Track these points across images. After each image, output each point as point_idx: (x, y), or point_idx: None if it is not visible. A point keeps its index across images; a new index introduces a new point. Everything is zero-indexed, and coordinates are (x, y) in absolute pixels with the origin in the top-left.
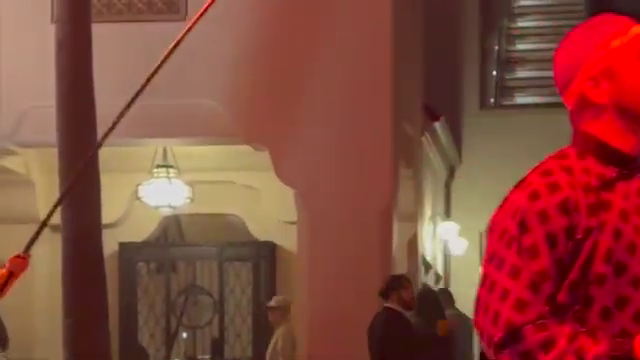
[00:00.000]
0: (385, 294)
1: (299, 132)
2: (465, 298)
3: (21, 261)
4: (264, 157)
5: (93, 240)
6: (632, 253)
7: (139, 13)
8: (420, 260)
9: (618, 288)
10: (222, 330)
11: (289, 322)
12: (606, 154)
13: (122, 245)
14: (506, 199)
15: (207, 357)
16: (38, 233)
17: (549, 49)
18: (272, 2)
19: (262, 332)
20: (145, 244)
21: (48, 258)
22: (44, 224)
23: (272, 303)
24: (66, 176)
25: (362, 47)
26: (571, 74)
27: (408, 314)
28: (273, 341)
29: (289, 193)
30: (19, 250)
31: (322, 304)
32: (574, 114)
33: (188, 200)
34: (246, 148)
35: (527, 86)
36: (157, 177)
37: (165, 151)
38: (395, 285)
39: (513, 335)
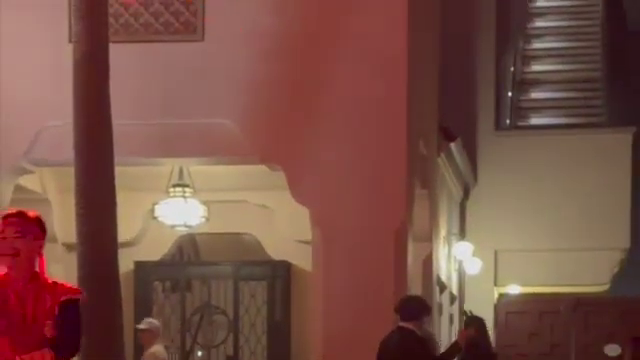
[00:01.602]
0: (413, 315)
1: (314, 152)
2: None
3: None
4: (279, 177)
5: (109, 259)
6: None
7: (156, 33)
8: (435, 280)
9: None
10: (237, 349)
11: (159, 345)
12: None
13: (138, 264)
14: None
15: None
16: None
17: (564, 70)
18: (288, 23)
19: (277, 351)
20: (161, 263)
21: (63, 277)
22: None
23: (142, 325)
24: (82, 195)
25: (378, 67)
26: None
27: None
28: None
29: (304, 212)
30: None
31: (337, 323)
32: None
33: (204, 219)
34: (261, 168)
35: (542, 107)
36: (173, 196)
37: (181, 170)
38: (427, 311)
39: None
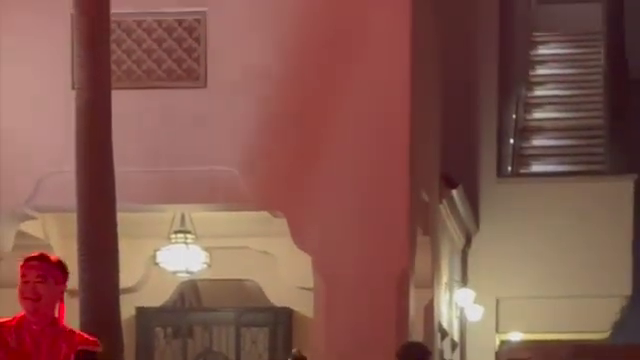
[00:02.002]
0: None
1: (316, 199)
2: None
3: None
4: (280, 223)
5: (111, 305)
6: None
7: (159, 80)
8: (436, 326)
9: None
10: None
11: None
12: None
13: (139, 310)
14: None
15: None
16: None
17: (566, 118)
18: (291, 71)
19: None
20: (162, 309)
21: (66, 323)
22: None
23: None
24: (84, 241)
25: (380, 114)
26: None
27: None
28: None
29: (306, 259)
30: None
31: None
32: None
33: (205, 265)
34: (263, 214)
35: (544, 155)
36: (175, 242)
37: (183, 217)
38: (428, 357)
39: None
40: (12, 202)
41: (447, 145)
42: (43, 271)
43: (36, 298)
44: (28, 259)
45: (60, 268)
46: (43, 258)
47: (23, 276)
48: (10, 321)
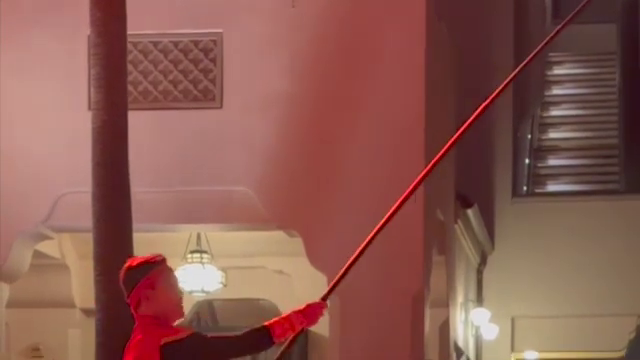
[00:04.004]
0: None
1: (332, 218)
2: None
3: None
4: (296, 243)
5: (127, 325)
6: None
7: (175, 101)
8: (452, 345)
9: None
10: None
11: None
12: None
13: None
14: None
15: None
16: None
17: (581, 138)
18: (306, 91)
19: None
20: None
21: (81, 343)
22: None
23: None
24: (101, 261)
25: (395, 133)
26: None
27: None
28: None
29: (321, 278)
30: (54, 333)
31: None
32: None
33: (221, 285)
34: (279, 234)
35: (559, 174)
36: (191, 262)
37: (199, 237)
38: None
39: None
40: (29, 222)
41: (462, 165)
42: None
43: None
44: (165, 260)
45: None
46: None
47: (171, 280)
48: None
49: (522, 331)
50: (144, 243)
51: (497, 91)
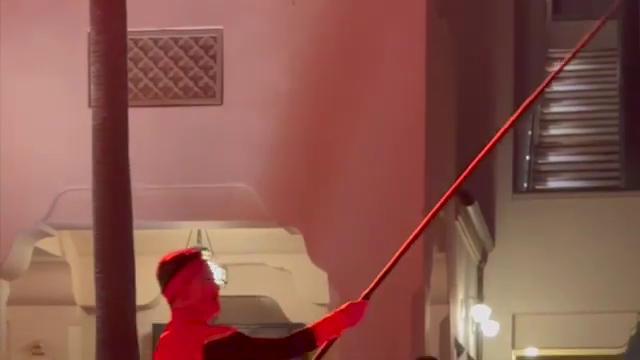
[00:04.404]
0: None
1: (332, 215)
2: None
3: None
4: (297, 239)
5: (127, 322)
6: None
7: (175, 98)
8: (452, 342)
9: None
10: None
11: None
12: None
13: (156, 326)
14: None
15: None
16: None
17: (582, 134)
18: (306, 88)
19: None
20: None
21: (82, 340)
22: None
23: None
24: (101, 258)
25: (395, 131)
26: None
27: None
28: None
29: (322, 275)
30: (55, 331)
31: None
32: None
33: (222, 282)
34: (279, 231)
35: (560, 171)
36: None
37: (199, 233)
38: None
39: None
40: (29, 220)
41: (463, 161)
42: None
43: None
44: (200, 253)
45: None
46: None
47: (208, 272)
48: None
49: (523, 328)
50: (145, 240)
51: (498, 134)
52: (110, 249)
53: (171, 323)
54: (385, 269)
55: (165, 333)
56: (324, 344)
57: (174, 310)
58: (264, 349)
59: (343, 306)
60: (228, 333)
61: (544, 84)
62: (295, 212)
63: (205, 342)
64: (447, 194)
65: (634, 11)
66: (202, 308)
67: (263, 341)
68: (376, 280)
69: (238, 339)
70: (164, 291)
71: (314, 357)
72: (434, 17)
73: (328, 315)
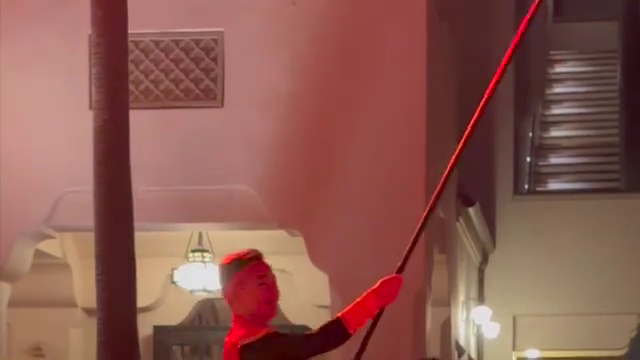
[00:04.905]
0: None
1: (333, 217)
2: None
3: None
4: (298, 242)
5: (128, 324)
6: None
7: (176, 100)
8: (453, 344)
9: None
10: None
11: None
12: None
13: (157, 328)
14: None
15: None
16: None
17: (582, 136)
18: (307, 89)
19: None
20: (180, 327)
21: (83, 342)
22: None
23: None
24: (102, 260)
25: (396, 132)
26: None
27: None
28: None
29: (323, 277)
30: (56, 333)
31: None
32: None
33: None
34: (280, 233)
35: (561, 172)
36: (192, 261)
37: (200, 236)
38: None
39: None
40: (30, 221)
41: (463, 163)
42: (271, 270)
43: (276, 300)
44: (259, 256)
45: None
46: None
47: (262, 276)
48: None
49: (524, 329)
50: (145, 242)
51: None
52: (111, 251)
53: (231, 328)
54: (410, 244)
55: (226, 338)
56: (368, 328)
57: (233, 314)
58: (296, 346)
59: (376, 285)
60: (261, 334)
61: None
62: (296, 214)
63: (239, 345)
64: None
65: (634, 13)
66: (257, 313)
67: (295, 337)
68: (407, 250)
69: (268, 339)
70: (223, 295)
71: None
72: (434, 18)
73: (359, 298)
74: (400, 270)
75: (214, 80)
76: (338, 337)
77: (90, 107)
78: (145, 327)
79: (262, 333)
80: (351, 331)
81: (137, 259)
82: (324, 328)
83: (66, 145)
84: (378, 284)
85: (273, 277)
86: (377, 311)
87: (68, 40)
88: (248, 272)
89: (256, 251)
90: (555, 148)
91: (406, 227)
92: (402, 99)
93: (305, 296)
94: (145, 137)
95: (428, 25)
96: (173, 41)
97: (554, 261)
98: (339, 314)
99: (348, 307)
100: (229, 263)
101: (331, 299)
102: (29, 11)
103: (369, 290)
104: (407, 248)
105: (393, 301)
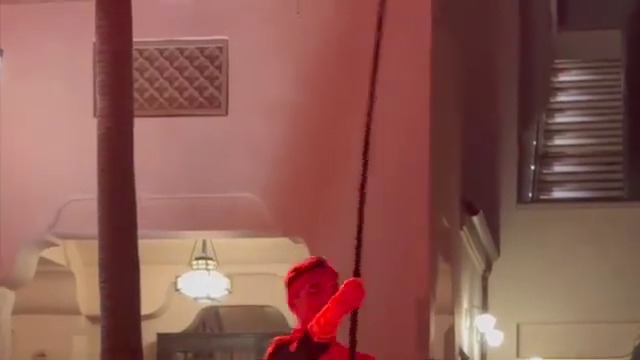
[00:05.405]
0: None
1: (337, 225)
2: None
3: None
4: (301, 249)
5: (132, 331)
6: None
7: (181, 108)
8: (457, 352)
9: None
10: None
11: None
12: None
13: (160, 336)
14: None
15: None
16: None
17: (586, 145)
18: (310, 98)
19: None
20: (183, 335)
21: (87, 349)
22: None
23: None
24: (106, 268)
25: (400, 141)
26: None
27: None
28: None
29: None
30: (59, 340)
31: None
32: None
33: (227, 292)
34: (284, 240)
35: (564, 181)
36: (196, 269)
37: (204, 243)
38: None
39: None
40: (34, 229)
41: (468, 172)
42: (334, 278)
43: None
44: (317, 264)
45: (336, 274)
46: (327, 263)
47: (314, 285)
48: (289, 339)
49: (527, 337)
50: (149, 250)
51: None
52: (115, 259)
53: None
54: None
55: None
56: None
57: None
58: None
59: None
60: (269, 350)
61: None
62: (299, 221)
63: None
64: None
65: (638, 22)
66: (310, 321)
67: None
68: (355, 250)
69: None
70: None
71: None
72: (439, 27)
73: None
74: (356, 273)
75: (218, 88)
76: (309, 348)
77: (94, 115)
78: (149, 334)
79: (270, 348)
80: (315, 339)
81: (141, 266)
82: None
83: (70, 153)
84: (338, 292)
85: (330, 285)
86: (341, 317)
87: (73, 48)
88: (302, 281)
89: (316, 259)
90: (559, 156)
91: (410, 235)
92: (407, 108)
93: None
94: (149, 145)
95: (433, 35)
96: (178, 49)
97: (558, 269)
98: (308, 325)
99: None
100: (290, 272)
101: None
102: (33, 19)
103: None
104: (355, 251)
105: (359, 305)
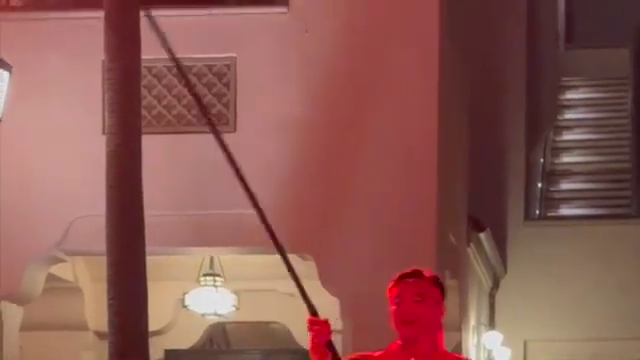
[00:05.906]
0: None
1: (345, 242)
2: None
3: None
4: (309, 266)
5: (140, 348)
6: None
7: (189, 125)
8: None
9: None
10: None
11: None
12: None
13: (168, 352)
14: None
15: None
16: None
17: (594, 162)
18: (319, 115)
19: None
20: (191, 351)
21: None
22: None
23: None
24: (114, 284)
25: (408, 159)
26: None
27: None
28: None
29: (333, 302)
30: (67, 356)
31: None
32: None
33: (234, 308)
34: (291, 257)
35: (572, 198)
36: (204, 285)
37: (212, 260)
38: None
39: None
40: (42, 245)
41: (475, 188)
42: (421, 289)
43: (415, 320)
44: (402, 276)
45: (439, 285)
46: (419, 274)
47: (397, 297)
48: (379, 354)
49: (534, 354)
50: (157, 266)
51: None
52: (123, 275)
53: None
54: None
55: None
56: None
57: None
58: None
59: None
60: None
61: None
62: (307, 239)
63: None
64: None
65: None
66: (397, 332)
67: None
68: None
69: None
70: None
71: None
72: (447, 46)
73: None
74: (313, 311)
75: (226, 105)
76: None
77: (103, 132)
78: (156, 351)
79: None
80: None
81: (148, 283)
82: None
83: (79, 169)
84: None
85: (416, 297)
86: (317, 354)
87: (81, 65)
88: (391, 293)
89: (409, 271)
90: (566, 174)
91: (417, 253)
92: (415, 126)
93: None
94: (157, 162)
95: (440, 53)
96: (186, 66)
97: (565, 286)
98: None
99: None
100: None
101: (343, 324)
102: (42, 37)
103: None
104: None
105: (317, 341)
